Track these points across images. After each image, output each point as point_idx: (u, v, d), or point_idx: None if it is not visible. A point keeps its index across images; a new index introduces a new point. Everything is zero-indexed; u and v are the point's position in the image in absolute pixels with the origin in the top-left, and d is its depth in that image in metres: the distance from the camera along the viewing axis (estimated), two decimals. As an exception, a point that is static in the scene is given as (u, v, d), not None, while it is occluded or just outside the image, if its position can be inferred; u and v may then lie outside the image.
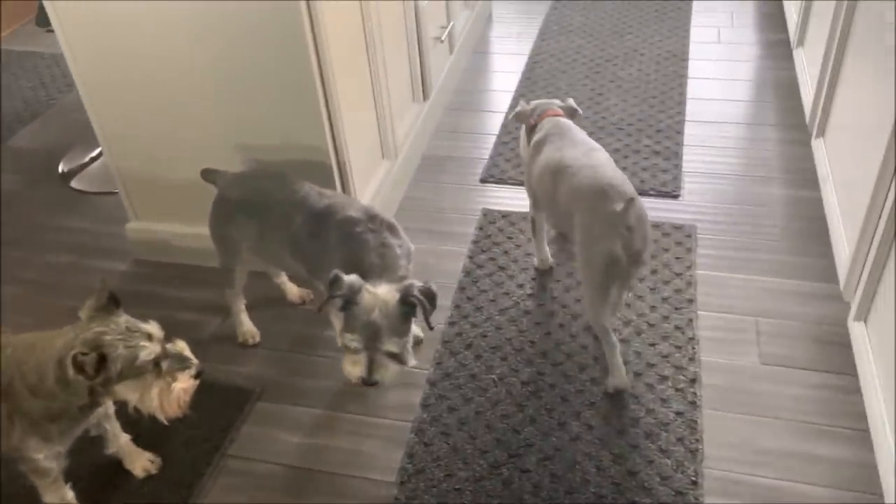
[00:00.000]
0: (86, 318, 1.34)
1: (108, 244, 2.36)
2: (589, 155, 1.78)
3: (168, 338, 1.40)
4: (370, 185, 2.20)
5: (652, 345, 1.89)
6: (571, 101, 2.04)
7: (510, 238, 2.25)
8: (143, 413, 1.37)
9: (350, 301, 1.48)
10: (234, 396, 1.85)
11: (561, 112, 1.98)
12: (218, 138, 1.98)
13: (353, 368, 1.51)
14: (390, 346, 1.49)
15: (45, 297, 2.19)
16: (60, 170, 2.70)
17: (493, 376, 1.84)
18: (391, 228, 1.63)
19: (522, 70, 3.11)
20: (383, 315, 1.47)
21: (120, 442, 1.64)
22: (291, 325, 2.04)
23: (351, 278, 1.49)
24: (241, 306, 1.96)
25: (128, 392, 1.34)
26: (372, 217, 1.63)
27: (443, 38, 2.70)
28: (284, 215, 1.71)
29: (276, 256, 1.80)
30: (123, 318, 1.34)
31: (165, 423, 1.38)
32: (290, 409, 1.82)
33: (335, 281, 1.48)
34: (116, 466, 1.67)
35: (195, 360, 1.40)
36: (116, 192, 2.52)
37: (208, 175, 1.87)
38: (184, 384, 1.37)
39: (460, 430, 1.73)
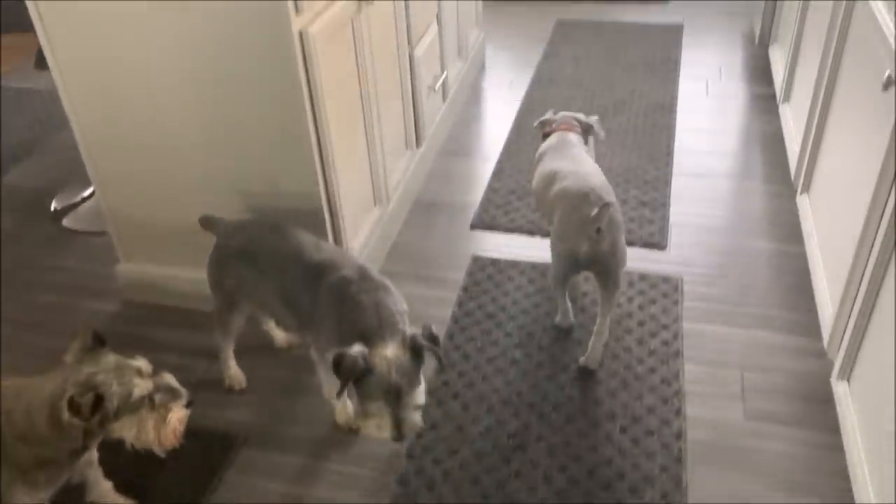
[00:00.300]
0: (72, 360, 1.35)
1: (97, 285, 2.36)
2: (578, 164, 2.01)
3: (154, 372, 1.42)
4: (361, 231, 2.22)
5: (638, 397, 1.90)
6: (593, 119, 2.25)
7: (499, 286, 2.27)
8: (139, 449, 1.38)
9: (365, 371, 1.47)
10: (218, 442, 1.83)
11: (575, 126, 2.20)
12: (210, 183, 1.99)
13: (380, 431, 1.49)
14: (415, 400, 1.49)
15: (30, 336, 2.19)
16: (53, 207, 2.71)
17: (480, 429, 1.84)
18: (384, 288, 1.63)
19: (514, 118, 3.16)
20: (401, 374, 1.47)
21: (101, 489, 1.63)
22: (277, 370, 2.04)
23: (357, 351, 1.47)
24: (229, 352, 1.96)
25: (124, 429, 1.35)
26: (365, 276, 1.63)
27: (436, 87, 2.74)
28: (279, 266, 1.72)
29: (268, 305, 1.81)
30: (112, 357, 1.36)
31: (163, 455, 1.40)
32: (275, 456, 1.81)
33: (342, 360, 1.46)
34: (97, 514, 1.65)
35: (184, 390, 1.42)
36: (107, 233, 2.53)
37: (207, 223, 1.88)
38: (177, 414, 1.39)
39: (445, 482, 1.72)
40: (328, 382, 1.79)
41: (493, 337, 2.10)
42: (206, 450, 1.81)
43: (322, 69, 1.80)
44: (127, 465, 1.71)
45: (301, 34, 1.72)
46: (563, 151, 2.09)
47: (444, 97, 2.95)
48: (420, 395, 1.52)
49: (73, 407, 1.26)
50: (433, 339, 1.53)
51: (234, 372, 1.98)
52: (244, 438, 1.85)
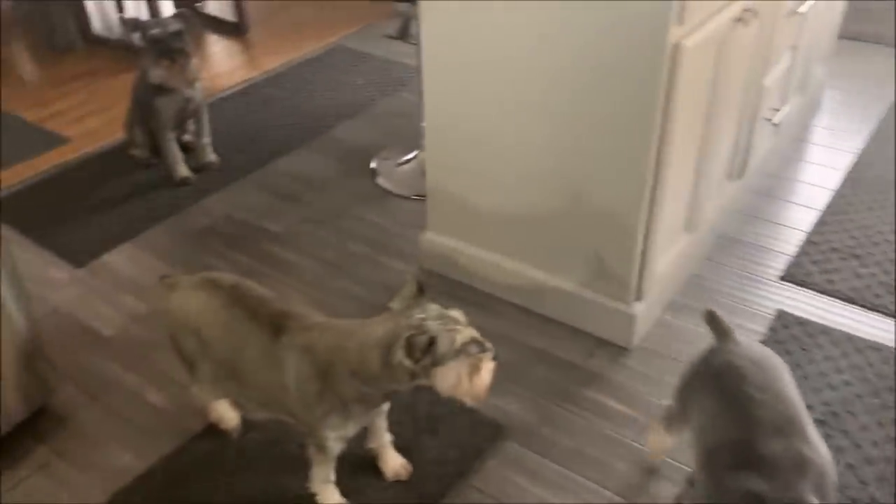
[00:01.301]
0: (399, 306, 1.41)
1: (398, 245, 2.50)
2: None
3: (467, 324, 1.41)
4: (665, 256, 2.12)
5: (961, 524, 1.62)
6: None
7: (805, 351, 2.05)
8: (450, 398, 1.38)
9: None
10: (486, 428, 1.85)
11: None
12: (536, 176, 2.01)
13: None
14: None
15: (337, 279, 2.37)
16: (371, 166, 2.92)
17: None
18: None
19: (848, 169, 2.85)
20: None
21: (382, 440, 1.71)
22: (557, 374, 2.01)
23: None
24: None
25: (444, 375, 1.35)
26: None
27: (772, 120, 2.54)
28: (719, 422, 1.40)
29: (693, 445, 1.48)
30: (434, 306, 1.39)
31: (475, 406, 1.41)
32: (538, 459, 1.79)
33: None
34: (368, 462, 1.73)
35: (490, 344, 1.40)
36: (415, 198, 2.68)
37: (713, 321, 1.58)
38: (488, 366, 1.38)
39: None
40: None
41: (790, 403, 1.90)
42: (474, 432, 1.84)
43: (684, 84, 1.73)
44: (403, 425, 1.80)
45: (675, 46, 1.65)
46: None
47: (775, 132, 2.73)
48: None
49: (409, 346, 1.30)
50: None
51: (663, 445, 1.74)
52: (512, 431, 1.85)
